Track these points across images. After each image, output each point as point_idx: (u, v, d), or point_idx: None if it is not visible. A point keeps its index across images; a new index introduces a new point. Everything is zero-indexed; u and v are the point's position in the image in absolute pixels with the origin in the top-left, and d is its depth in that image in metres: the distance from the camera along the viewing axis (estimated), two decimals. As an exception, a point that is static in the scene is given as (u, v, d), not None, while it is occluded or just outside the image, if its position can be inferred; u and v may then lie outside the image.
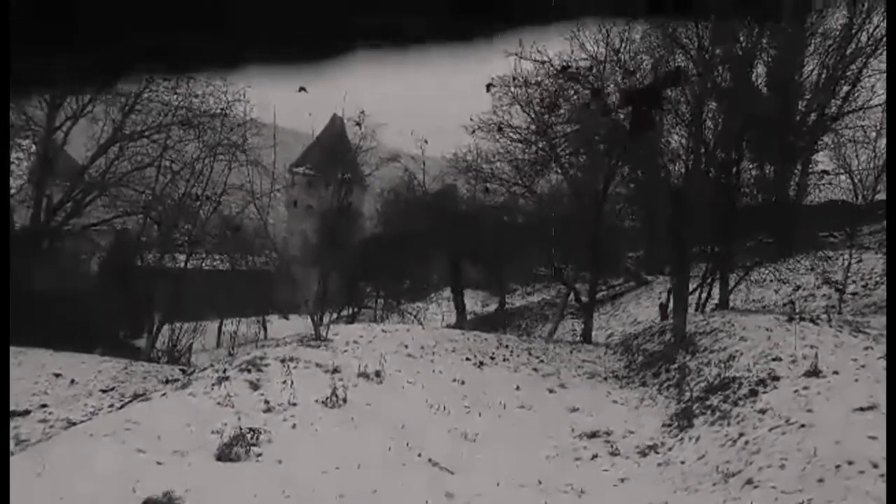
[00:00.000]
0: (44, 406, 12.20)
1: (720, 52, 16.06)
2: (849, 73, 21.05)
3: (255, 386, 10.26)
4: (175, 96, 21.49)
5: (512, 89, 18.77)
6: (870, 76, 20.68)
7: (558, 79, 17.80)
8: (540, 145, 19.28)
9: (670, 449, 9.29)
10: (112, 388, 13.84)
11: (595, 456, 9.37)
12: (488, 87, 18.31)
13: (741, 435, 8.65)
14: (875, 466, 6.72)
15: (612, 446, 9.60)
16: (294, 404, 9.75)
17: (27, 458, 7.65)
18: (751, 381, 10.20)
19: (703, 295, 18.02)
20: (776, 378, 10.03)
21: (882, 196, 20.10)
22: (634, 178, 19.35)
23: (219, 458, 8.01)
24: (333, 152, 34.55)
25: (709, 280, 17.89)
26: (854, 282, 17.99)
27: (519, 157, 19.70)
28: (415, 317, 28.25)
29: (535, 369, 13.27)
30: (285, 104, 18.65)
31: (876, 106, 19.88)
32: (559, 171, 19.87)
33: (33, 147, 20.83)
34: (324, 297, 26.83)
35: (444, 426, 9.87)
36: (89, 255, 24.60)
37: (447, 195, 27.36)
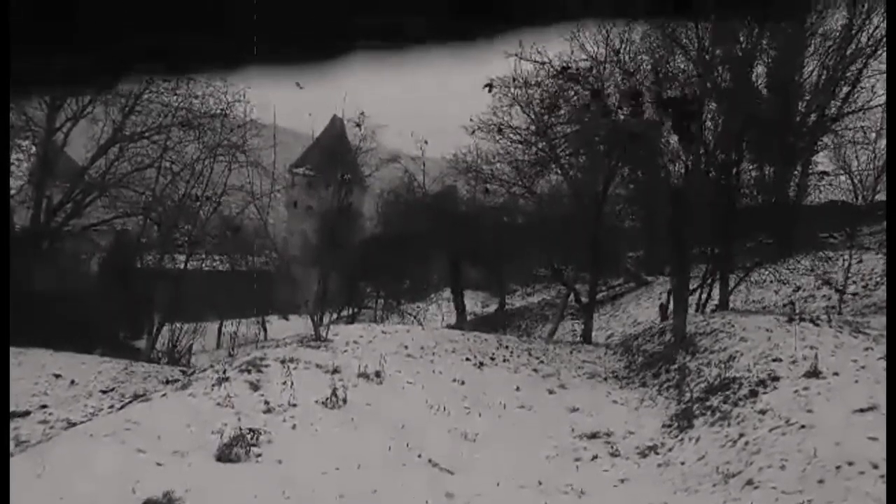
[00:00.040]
0: (44, 407, 12.19)
1: (720, 52, 16.06)
2: (849, 74, 21.05)
3: (255, 386, 10.25)
4: (175, 97, 21.53)
5: (512, 90, 18.80)
6: (870, 77, 20.70)
7: (558, 80, 17.80)
8: (540, 146, 19.29)
9: (670, 449, 9.29)
10: (112, 389, 13.84)
11: (595, 456, 9.36)
12: (489, 87, 18.31)
13: (741, 436, 8.65)
14: (875, 467, 6.71)
15: (612, 447, 9.60)
16: (294, 405, 9.74)
17: (27, 459, 7.65)
18: (751, 382, 10.20)
19: (703, 296, 18.02)
20: (776, 379, 10.03)
21: (882, 197, 20.13)
22: (634, 179, 19.34)
23: (219, 459, 8.01)
24: (333, 153, 34.58)
25: (709, 281, 17.89)
26: (854, 282, 17.99)
27: (519, 157, 19.71)
28: (415, 317, 28.25)
29: (535, 370, 13.27)
30: (285, 105, 18.63)
31: (876, 107, 19.90)
32: (559, 171, 19.88)
33: (33, 148, 20.85)
34: (324, 297, 26.85)
35: (444, 426, 9.87)
36: (89, 255, 24.62)
37: (447, 196, 27.37)
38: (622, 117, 16.78)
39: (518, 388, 11.87)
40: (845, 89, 21.21)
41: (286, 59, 1.13)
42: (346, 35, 1.09)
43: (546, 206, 20.85)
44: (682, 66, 16.22)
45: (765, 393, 9.68)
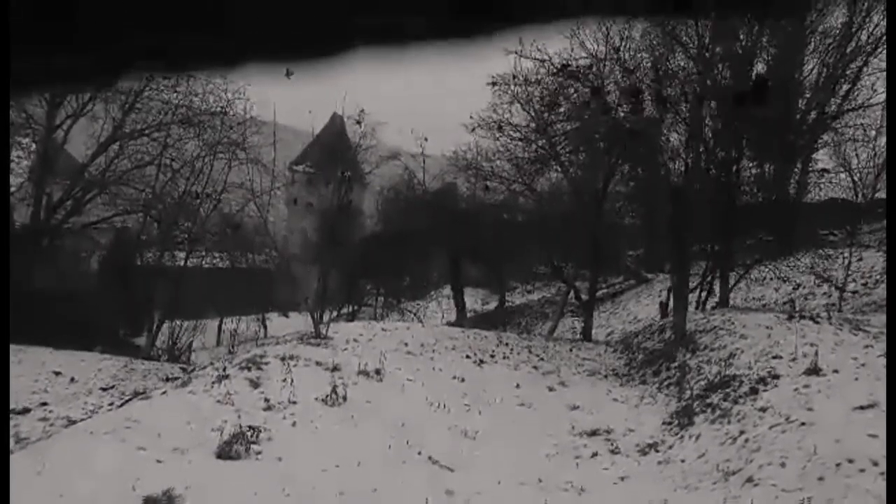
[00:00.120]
0: (44, 404, 12.20)
1: (720, 50, 16.04)
2: (849, 72, 21.03)
3: (255, 384, 10.26)
4: (175, 95, 21.51)
5: (512, 87, 18.81)
6: (870, 74, 20.67)
7: (558, 77, 17.80)
8: (540, 143, 19.28)
9: (671, 447, 9.30)
10: (112, 387, 13.85)
11: (595, 454, 9.37)
12: (493, 83, 18.34)
13: (741, 433, 8.65)
14: (875, 464, 6.72)
15: (612, 444, 9.61)
16: (294, 402, 9.75)
17: (27, 457, 7.66)
18: (751, 380, 10.21)
19: (704, 293, 18.02)
20: (776, 376, 10.04)
21: (882, 194, 20.13)
22: (634, 176, 19.33)
23: (219, 456, 8.01)
24: (333, 150, 34.53)
25: (709, 278, 17.89)
26: (854, 280, 17.99)
27: (519, 155, 19.71)
28: (415, 315, 28.26)
29: (535, 367, 13.28)
30: (285, 102, 18.67)
31: (876, 104, 19.87)
32: (559, 169, 19.88)
33: (33, 145, 20.83)
34: (324, 295, 26.81)
35: (445, 424, 9.87)
36: (89, 253, 24.62)
37: (447, 193, 27.34)
38: (622, 115, 16.79)
39: (518, 386, 11.88)
40: (845, 87, 21.21)
41: (285, 56, 1.13)
42: (346, 33, 1.09)
43: (546, 203, 20.85)
44: (682, 64, 16.22)
45: (765, 390, 9.69)
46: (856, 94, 21.02)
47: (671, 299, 16.68)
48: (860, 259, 18.25)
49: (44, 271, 19.60)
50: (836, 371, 9.58)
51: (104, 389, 13.61)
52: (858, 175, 21.00)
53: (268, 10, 1.06)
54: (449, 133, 22.99)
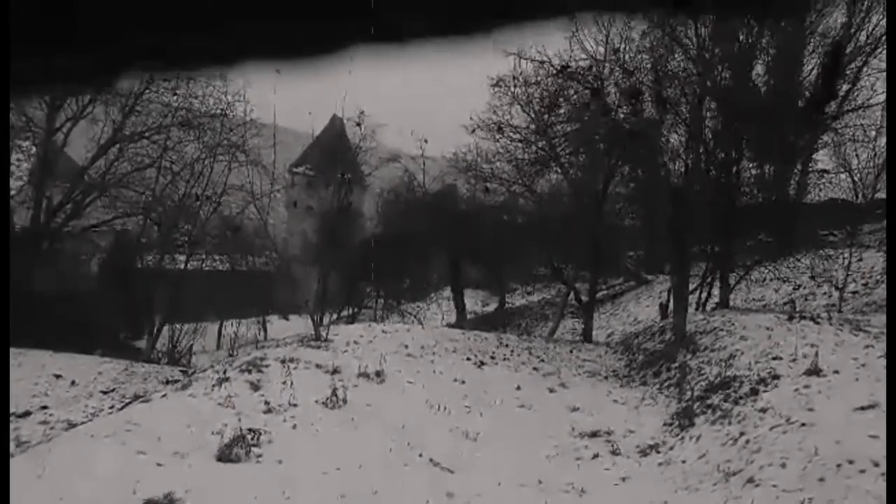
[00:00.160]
0: (44, 407, 12.20)
1: (720, 51, 16.06)
2: (848, 72, 21.03)
3: (255, 387, 10.25)
4: (175, 97, 21.53)
5: (512, 89, 18.83)
6: (869, 75, 20.68)
7: (558, 78, 17.82)
8: (540, 145, 19.29)
9: (671, 448, 9.29)
10: (112, 390, 13.84)
11: (596, 455, 9.36)
12: (496, 84, 18.37)
13: (742, 434, 8.65)
14: (876, 465, 6.71)
15: (612, 445, 9.59)
16: (294, 405, 9.74)
17: (27, 460, 7.65)
18: (751, 380, 10.21)
19: (704, 294, 18.02)
20: (777, 377, 10.04)
21: (882, 194, 20.11)
22: (634, 178, 19.33)
23: (219, 459, 8.00)
24: (333, 152, 34.54)
25: (709, 279, 17.89)
26: (854, 280, 17.98)
27: (519, 156, 19.73)
28: (415, 316, 28.23)
29: (535, 369, 13.27)
30: (285, 104, 18.64)
31: (876, 105, 19.88)
32: (559, 170, 19.88)
33: (33, 148, 20.84)
34: (324, 297, 26.83)
35: (445, 426, 9.87)
36: (89, 256, 24.60)
37: (447, 195, 27.35)
38: (622, 116, 16.80)
39: (519, 387, 11.87)
40: (845, 87, 21.21)
41: (285, 55, 1.13)
42: (345, 31, 1.09)
43: (546, 204, 20.85)
44: (681, 65, 16.23)
45: (765, 391, 9.68)
46: (855, 94, 21.04)
47: (671, 300, 16.67)
48: (860, 259, 18.23)
49: (44, 274, 19.59)
50: (836, 372, 9.58)
51: (105, 392, 13.60)
52: (858, 175, 20.99)
53: (267, 10, 1.07)
54: (449, 133, 23.07)
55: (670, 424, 10.13)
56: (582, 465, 9.03)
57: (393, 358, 12.14)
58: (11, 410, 11.05)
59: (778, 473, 7.34)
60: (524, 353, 14.20)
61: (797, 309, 16.49)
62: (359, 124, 29.90)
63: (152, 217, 22.66)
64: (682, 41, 15.93)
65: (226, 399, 9.64)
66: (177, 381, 12.85)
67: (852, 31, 20.09)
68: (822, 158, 21.16)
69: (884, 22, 18.21)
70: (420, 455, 8.78)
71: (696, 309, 17.12)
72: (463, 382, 11.72)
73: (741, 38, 16.82)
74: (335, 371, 11.13)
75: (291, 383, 10.21)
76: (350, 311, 30.06)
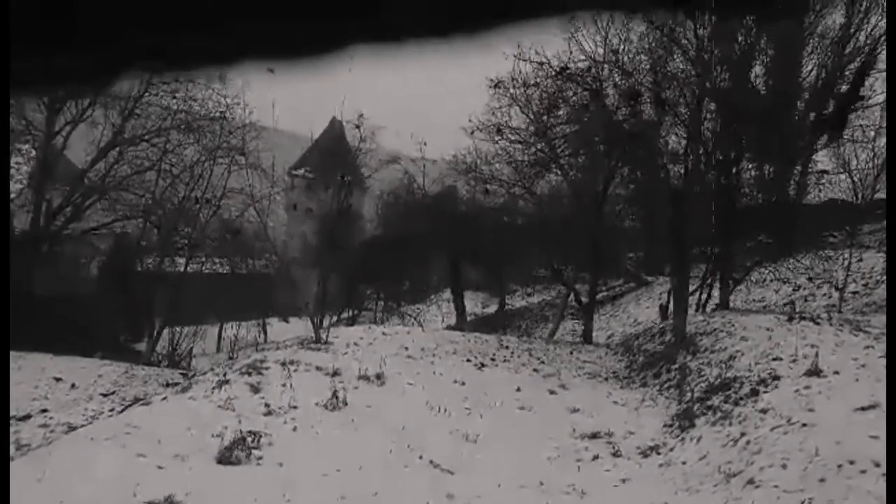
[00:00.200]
0: (44, 410, 12.20)
1: (719, 52, 16.07)
2: (847, 73, 21.04)
3: (255, 389, 10.25)
4: (174, 100, 21.57)
5: (511, 90, 18.83)
6: (868, 75, 20.67)
7: (557, 80, 17.83)
8: (539, 146, 19.31)
9: (672, 449, 9.29)
10: (112, 392, 13.84)
11: (596, 457, 9.35)
12: (495, 86, 18.38)
13: (742, 435, 8.64)
14: (877, 465, 6.71)
15: (613, 447, 9.59)
16: (294, 407, 9.74)
17: (28, 464, 7.65)
18: (752, 381, 10.20)
19: (704, 295, 18.01)
20: (777, 378, 10.03)
21: (882, 195, 20.09)
22: (634, 179, 19.35)
23: (219, 462, 8.00)
24: (333, 155, 34.56)
25: (709, 280, 17.88)
26: (854, 281, 17.98)
27: (518, 158, 19.75)
28: (415, 318, 28.24)
29: (535, 370, 13.27)
30: (284, 107, 18.68)
31: (875, 105, 19.89)
32: (559, 172, 19.89)
33: (33, 151, 20.86)
34: (324, 299, 26.82)
35: (445, 428, 9.86)
36: (89, 259, 24.64)
37: (447, 197, 27.36)
38: (621, 117, 16.81)
39: (519, 389, 11.86)
40: (844, 87, 21.20)
41: (284, 54, 1.13)
42: (344, 30, 1.09)
43: (546, 206, 20.85)
44: (680, 66, 16.24)
45: (766, 392, 9.68)
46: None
47: (671, 302, 16.67)
48: (860, 260, 18.24)
49: (44, 277, 19.60)
50: (836, 372, 9.57)
51: (105, 395, 13.60)
52: (858, 176, 20.97)
53: (266, 9, 1.07)
54: (448, 135, 23.05)
55: (671, 426, 10.13)
56: (582, 467, 9.02)
57: (393, 360, 12.14)
58: (11, 413, 11.05)
59: (779, 474, 7.33)
60: (524, 355, 14.20)
61: (797, 310, 16.48)
62: (358, 127, 29.91)
63: (152, 220, 22.67)
64: (680, 42, 15.94)
65: (226, 401, 9.64)
66: (177, 384, 12.84)
67: (851, 31, 20.10)
68: (822, 159, 21.18)
69: (883, 22, 18.22)
70: (420, 457, 8.77)
71: (697, 310, 17.12)
72: (463, 384, 11.72)
73: (740, 39, 16.84)
74: (335, 373, 11.13)
75: (291, 385, 10.21)
76: (350, 313, 30.07)
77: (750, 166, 17.60)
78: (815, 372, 9.68)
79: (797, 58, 19.62)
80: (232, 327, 27.69)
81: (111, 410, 11.98)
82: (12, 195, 19.64)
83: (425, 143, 30.01)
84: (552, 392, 11.99)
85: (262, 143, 22.61)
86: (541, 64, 17.70)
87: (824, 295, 18.26)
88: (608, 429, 10.20)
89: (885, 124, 18.05)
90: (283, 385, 10.32)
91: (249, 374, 10.76)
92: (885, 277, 17.06)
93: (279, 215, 40.04)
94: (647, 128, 16.20)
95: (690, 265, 16.31)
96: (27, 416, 11.70)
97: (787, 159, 18.56)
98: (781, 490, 7.02)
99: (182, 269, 23.45)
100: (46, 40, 1.07)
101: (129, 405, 11.34)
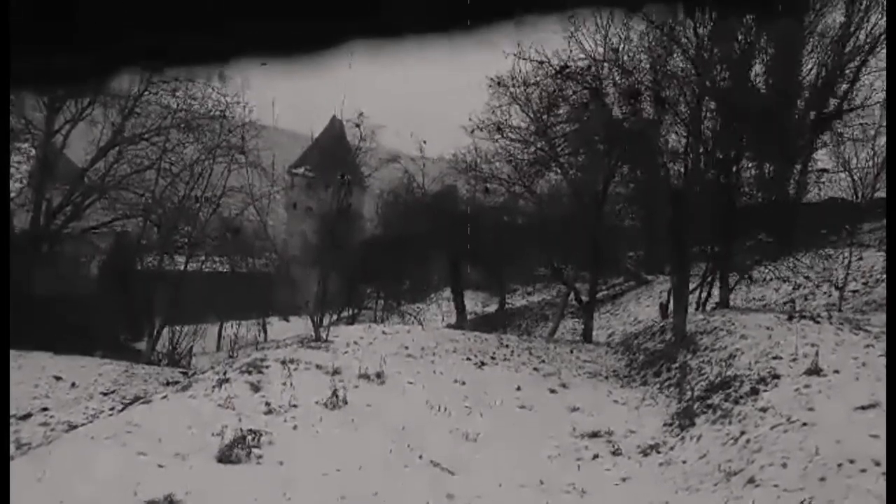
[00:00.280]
0: (44, 409, 12.19)
1: (718, 51, 16.06)
2: (847, 72, 21.06)
3: (255, 388, 10.25)
4: (174, 99, 21.55)
5: (511, 89, 18.83)
6: (868, 74, 20.71)
7: (557, 79, 17.81)
8: (539, 145, 19.31)
9: (672, 448, 9.29)
10: (113, 391, 13.83)
11: (596, 456, 9.35)
12: (497, 84, 18.37)
13: (742, 433, 8.64)
14: (877, 464, 6.71)
15: (613, 446, 9.59)
16: (295, 406, 9.74)
17: (28, 462, 7.65)
18: (752, 380, 10.20)
19: (704, 294, 18.01)
20: (777, 376, 10.03)
21: (882, 194, 20.10)
22: (634, 178, 19.35)
23: (220, 461, 8.00)
24: (333, 154, 34.54)
25: (709, 279, 17.88)
26: (854, 280, 17.98)
27: (518, 157, 19.74)
28: (415, 317, 28.21)
29: (535, 369, 13.26)
30: (284, 106, 18.67)
31: (875, 104, 19.90)
32: (559, 171, 19.89)
33: (33, 150, 20.83)
34: (324, 298, 26.78)
35: (446, 427, 9.86)
36: (89, 258, 24.63)
37: (447, 196, 27.34)
38: (621, 116, 16.81)
39: (519, 388, 11.86)
40: (844, 87, 21.24)
41: (284, 52, 1.13)
42: (344, 28, 1.09)
43: (546, 205, 20.85)
44: (680, 65, 16.23)
45: (766, 391, 9.68)
46: (855, 93, 21.07)
47: (671, 300, 16.67)
48: (860, 258, 18.24)
49: (44, 276, 19.58)
50: (836, 371, 9.58)
51: (105, 394, 13.59)
52: (858, 175, 20.99)
53: (266, 9, 1.07)
54: (448, 133, 23.03)
55: (671, 424, 10.13)
56: (582, 466, 9.02)
57: (393, 359, 12.14)
58: (12, 413, 11.04)
59: (779, 473, 7.34)
60: (524, 354, 14.20)
61: (797, 308, 16.48)
62: (358, 125, 29.85)
63: (152, 219, 22.65)
64: (680, 41, 15.93)
65: (226, 400, 9.64)
66: (177, 383, 12.85)
67: (851, 30, 20.12)
68: (822, 158, 21.20)
69: (882, 21, 18.22)
70: (420, 456, 8.77)
71: (697, 309, 17.11)
72: (463, 383, 11.72)
73: (740, 37, 16.83)
74: (335, 372, 11.13)
75: (292, 384, 10.21)
76: (350, 312, 30.05)
77: (750, 165, 17.59)
78: (815, 371, 9.69)
79: (797, 56, 19.65)
80: (232, 326, 27.66)
81: (111, 409, 11.97)
82: (12, 194, 19.62)
83: (425, 142, 29.97)
84: (552, 391, 11.99)
85: (262, 141, 22.57)
86: (541, 63, 17.69)
87: (824, 294, 18.26)
88: (608, 428, 10.20)
89: (884, 123, 18.06)
90: (284, 384, 10.32)
91: (250, 372, 10.76)
92: (884, 276, 17.06)
93: (279, 214, 40.08)
94: (646, 126, 16.19)
95: (690, 264, 16.30)
96: (27, 415, 11.70)
97: (787, 158, 18.57)
98: (781, 489, 7.02)
99: (182, 267, 23.42)
100: (46, 40, 1.07)
101: (130, 404, 11.34)
